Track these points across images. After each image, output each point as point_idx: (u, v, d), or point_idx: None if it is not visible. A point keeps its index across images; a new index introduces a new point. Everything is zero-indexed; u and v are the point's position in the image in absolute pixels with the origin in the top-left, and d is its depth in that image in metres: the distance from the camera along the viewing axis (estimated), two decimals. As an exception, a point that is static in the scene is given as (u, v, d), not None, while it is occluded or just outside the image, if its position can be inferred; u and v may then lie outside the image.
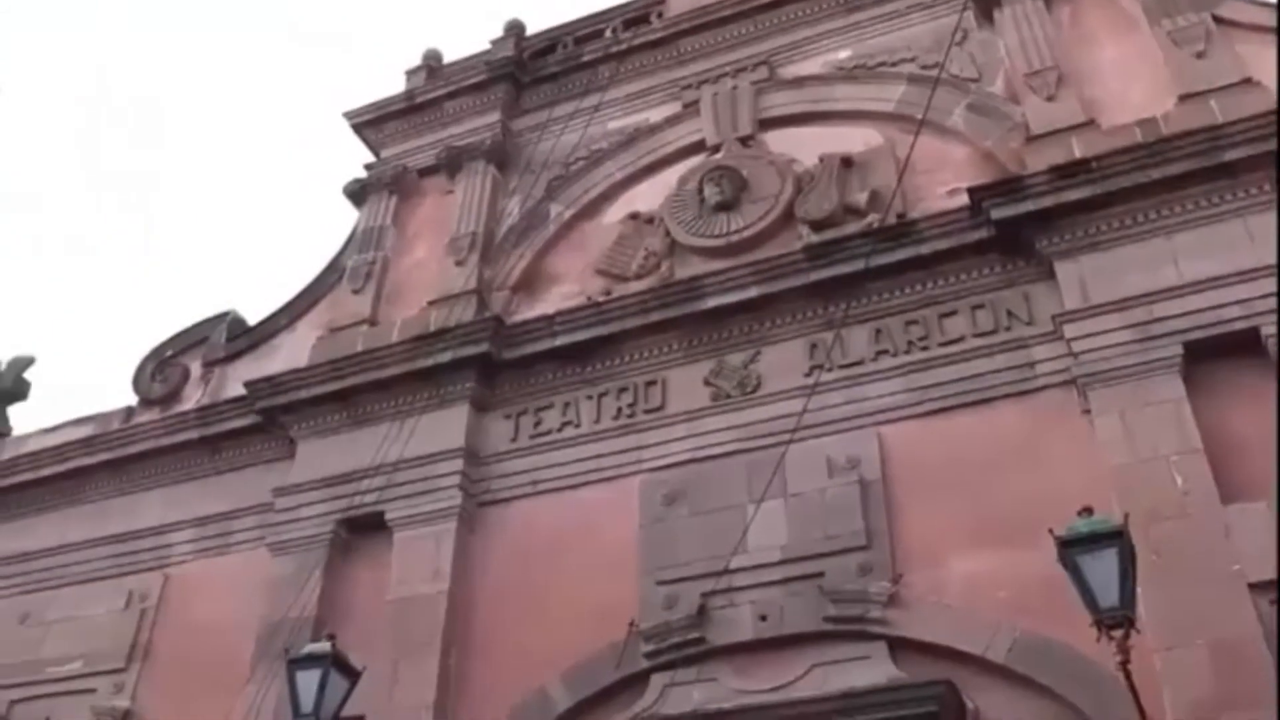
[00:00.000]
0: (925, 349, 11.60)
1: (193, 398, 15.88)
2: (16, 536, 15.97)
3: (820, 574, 10.65)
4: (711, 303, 12.53)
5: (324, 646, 10.42)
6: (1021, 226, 11.39)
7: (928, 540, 10.49)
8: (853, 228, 12.55)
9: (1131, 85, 12.22)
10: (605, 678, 11.05)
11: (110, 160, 54.87)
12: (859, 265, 11.77)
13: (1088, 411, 10.39)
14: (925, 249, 11.85)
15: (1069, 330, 10.77)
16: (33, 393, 18.51)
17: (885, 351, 11.76)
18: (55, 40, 53.43)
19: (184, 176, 55.35)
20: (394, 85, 17.49)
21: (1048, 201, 11.28)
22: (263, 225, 54.06)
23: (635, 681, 10.98)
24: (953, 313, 11.67)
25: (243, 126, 55.71)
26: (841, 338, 11.77)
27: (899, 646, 10.19)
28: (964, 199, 11.85)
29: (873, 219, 12.49)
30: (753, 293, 12.41)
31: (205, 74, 55.25)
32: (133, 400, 16.46)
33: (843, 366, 11.78)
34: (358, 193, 16.58)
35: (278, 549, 13.26)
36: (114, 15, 54.08)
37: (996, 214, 11.45)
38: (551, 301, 13.93)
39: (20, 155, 53.90)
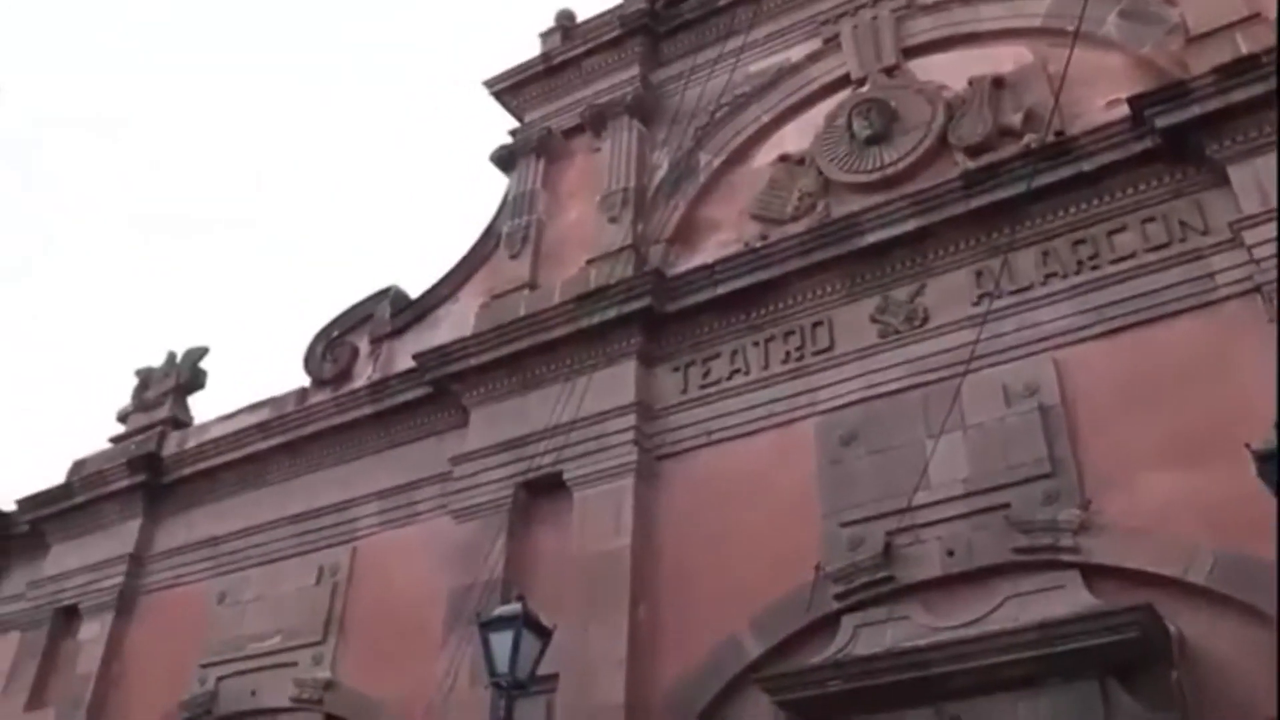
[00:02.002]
0: (1096, 268, 11.29)
1: (364, 374, 16.27)
2: (208, 521, 16.62)
3: (1006, 505, 10.50)
4: (871, 238, 12.38)
5: (514, 608, 10.58)
6: (1188, 133, 10.98)
7: (1115, 463, 10.25)
8: (1010, 150, 12.26)
9: (1295, -28, 11.66)
10: (795, 622, 11.07)
11: (262, 150, 56.19)
12: (1020, 188, 11.46)
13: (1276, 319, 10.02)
14: (1088, 165, 11.50)
15: (1249, 236, 10.37)
16: (209, 381, 19.20)
17: (1054, 274, 11.49)
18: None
19: (330, 158, 56.47)
20: (529, 49, 17.54)
21: (1215, 104, 10.83)
22: (412, 199, 54.94)
23: (825, 624, 10.97)
24: (1122, 229, 11.32)
25: (380, 103, 56.53)
26: (1008, 263, 11.48)
27: (1093, 574, 9.97)
28: (1125, 110, 11.48)
29: (1030, 139, 12.18)
30: (912, 225, 12.21)
31: (342, 54, 56.16)
32: (305, 381, 16.93)
33: (1012, 293, 11.52)
34: (506, 159, 16.72)
35: (461, 515, 13.53)
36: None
37: (1161, 122, 11.06)
38: (709, 250, 13.89)
39: (184, 141, 55.52)
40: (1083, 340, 11.06)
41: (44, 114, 55.32)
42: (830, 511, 11.37)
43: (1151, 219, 11.24)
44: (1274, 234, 10.12)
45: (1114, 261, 11.25)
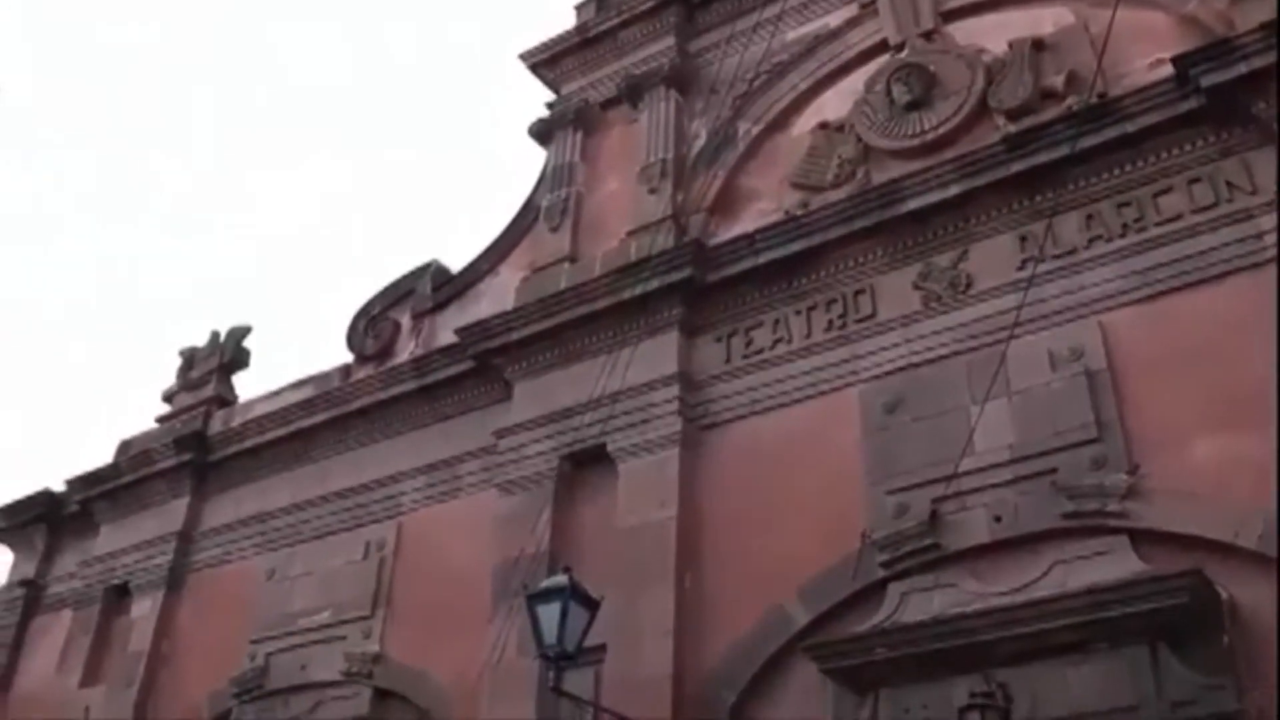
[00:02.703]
0: (1142, 230, 11.16)
1: (406, 349, 16.32)
2: (255, 498, 16.75)
3: (1053, 470, 10.43)
4: (912, 204, 12.28)
5: (562, 580, 10.63)
6: (1235, 91, 10.79)
7: (1163, 428, 10.14)
8: (1052, 113, 12.10)
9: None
10: (842, 590, 11.06)
11: (304, 126, 56.38)
12: (1063, 151, 11.34)
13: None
14: (1132, 126, 11.34)
15: (1299, 194, 10.22)
16: (252, 360, 19.34)
17: (1099, 237, 11.36)
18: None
19: (369, 135, 56.62)
20: (564, 21, 17.49)
21: (1261, 61, 10.61)
22: (451, 175, 55.07)
23: (871, 592, 10.95)
24: (1168, 190, 11.18)
25: (419, 78, 56.63)
26: (1052, 227, 11.35)
27: (1141, 539, 9.89)
28: (1169, 69, 11.29)
29: (1072, 101, 12.04)
30: (954, 190, 12.10)
31: (377, 28, 56.23)
32: (348, 358, 17.00)
33: (1055, 257, 11.39)
34: (543, 132, 16.66)
35: (506, 489, 13.58)
36: None
37: (1207, 81, 10.88)
38: (750, 220, 13.81)
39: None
40: (1129, 304, 10.94)
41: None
42: (876, 479, 11.34)
43: (1198, 180, 11.07)
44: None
45: (1160, 224, 11.12)
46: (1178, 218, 11.04)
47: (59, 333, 54.66)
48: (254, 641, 15.26)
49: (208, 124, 57.80)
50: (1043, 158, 11.65)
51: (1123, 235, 11.27)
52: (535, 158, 16.70)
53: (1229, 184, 10.87)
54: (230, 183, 56.36)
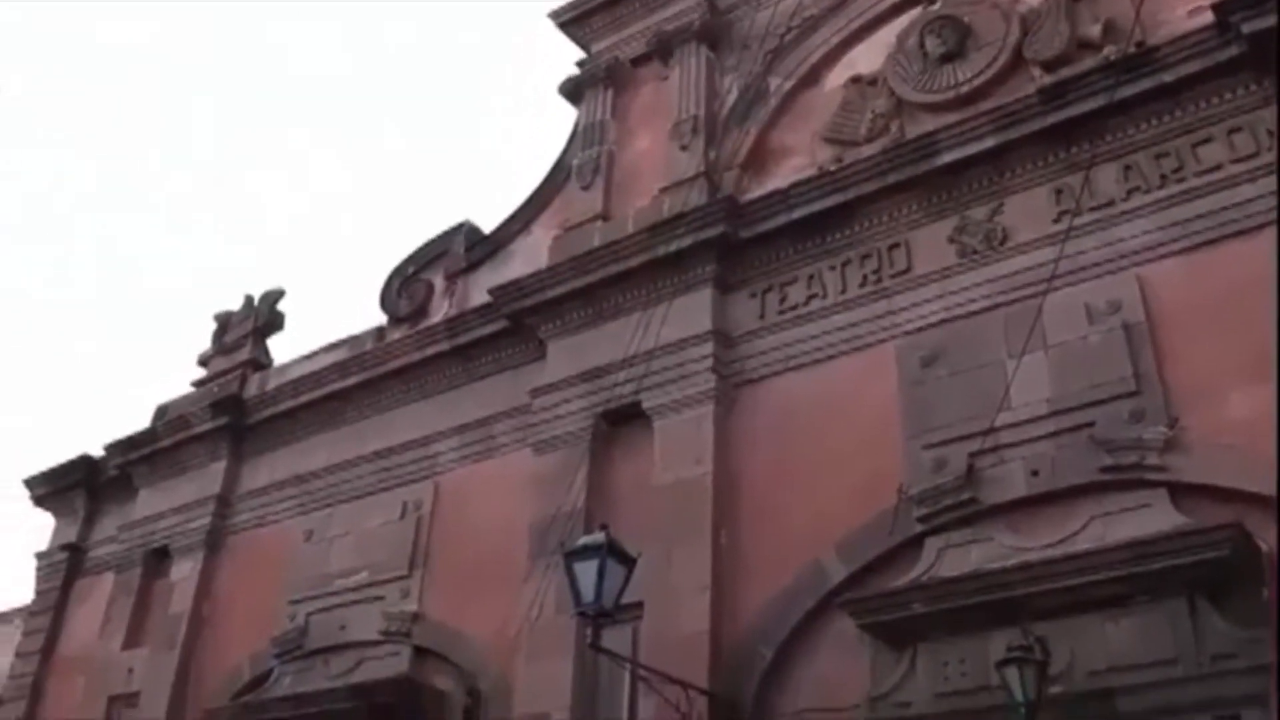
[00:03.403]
0: (1181, 181, 11.02)
1: (440, 310, 16.33)
2: (292, 460, 16.85)
3: (1090, 424, 10.37)
4: (947, 157, 12.17)
5: (598, 537, 10.60)
6: (1276, 38, 10.57)
7: (1202, 380, 10.04)
8: (1089, 63, 11.94)
9: None
10: (879, 545, 11.05)
11: (334, 91, 56.39)
12: (1101, 102, 11.19)
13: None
14: (1170, 76, 11.18)
15: (1342, 142, 10.06)
16: (287, 323, 19.37)
17: (1137, 189, 11.22)
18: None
19: (399, 98, 56.57)
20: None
21: (1303, 5, 10.48)
22: (482, 135, 55.00)
23: (909, 547, 10.94)
24: (1207, 140, 11.02)
25: (448, 39, 56.49)
26: (1089, 179, 11.21)
27: (1181, 492, 9.83)
28: (1208, 17, 11.11)
29: (1110, 51, 11.86)
30: (989, 143, 11.98)
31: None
32: (382, 320, 17.02)
33: (1092, 209, 11.26)
34: (574, 91, 16.58)
35: (541, 448, 13.61)
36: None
37: (1248, 28, 10.67)
38: (783, 175, 13.71)
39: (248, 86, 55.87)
40: (1167, 256, 10.84)
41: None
42: (912, 434, 11.30)
43: (1238, 129, 10.91)
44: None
45: (1199, 174, 10.98)
46: (1217, 168, 10.89)
47: (93, 303, 55.06)
48: (293, 602, 15.38)
49: (242, 87, 57.88)
50: (1080, 109, 11.52)
51: (1161, 186, 11.13)
52: (568, 117, 16.63)
53: (1270, 132, 10.68)
54: (264, 145, 56.47)
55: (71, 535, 19.22)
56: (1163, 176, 11.16)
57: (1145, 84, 11.26)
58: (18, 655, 18.94)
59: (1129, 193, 11.28)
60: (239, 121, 57.75)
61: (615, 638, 10.94)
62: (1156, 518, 9.76)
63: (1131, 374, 10.39)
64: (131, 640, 16.94)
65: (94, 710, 16.56)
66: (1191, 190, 10.94)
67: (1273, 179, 10.43)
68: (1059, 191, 11.63)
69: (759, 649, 11.25)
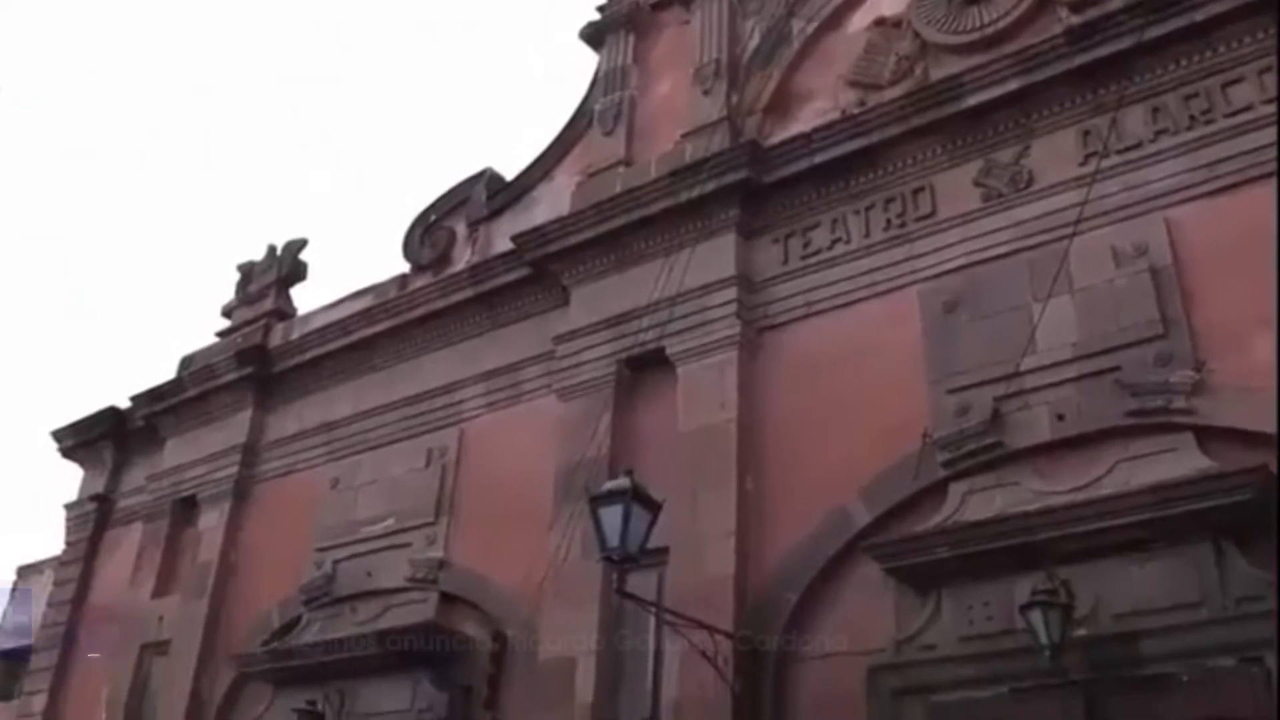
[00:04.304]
0: (1210, 122, 10.86)
1: (462, 258, 16.33)
2: (317, 409, 16.93)
3: (1116, 368, 10.30)
4: (972, 100, 12.04)
5: (623, 482, 10.53)
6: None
7: (1230, 324, 9.94)
8: (1116, 3, 11.72)
9: None
10: (903, 490, 11.04)
11: (356, 42, 56.15)
12: (1129, 42, 11.05)
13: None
14: (1200, 15, 10.98)
15: (1374, 81, 9.90)
16: (310, 273, 19.39)
17: (1165, 130, 11.08)
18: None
19: (419, 45, 56.31)
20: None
21: (1338, -57, 10.31)
22: (503, 81, 54.75)
23: (933, 492, 10.94)
24: (1238, 80, 10.84)
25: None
26: (1116, 121, 11.07)
27: (1207, 436, 9.77)
28: (1239, -46, 10.96)
29: (1138, -10, 11.73)
30: (1014, 85, 11.84)
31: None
32: (405, 268, 17.02)
33: (1119, 151, 11.12)
34: (595, 35, 16.46)
35: (565, 394, 13.63)
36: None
37: (1280, -36, 10.55)
38: (806, 119, 13.59)
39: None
40: (1195, 198, 10.70)
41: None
42: (937, 379, 11.26)
43: (1269, 69, 10.70)
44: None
45: (1228, 115, 10.81)
46: (1248, 108, 10.73)
47: (117, 254, 55.19)
48: (320, 550, 15.48)
49: (267, 38, 57.64)
50: (1107, 50, 11.36)
51: (1189, 128, 10.98)
52: (589, 63, 16.53)
53: (1303, 70, 10.53)
54: (285, 95, 56.32)
55: (100, 486, 19.43)
56: (1191, 118, 11.00)
57: (1175, 23, 11.08)
58: (49, 604, 19.21)
59: (1157, 134, 11.14)
60: (261, 73, 57.58)
61: (640, 583, 11.01)
62: (1182, 461, 9.71)
63: (1158, 317, 10.31)
64: (161, 589, 17.11)
65: (126, 657, 16.76)
66: (1220, 131, 10.78)
67: (1305, 117, 10.29)
68: (1086, 133, 11.50)
69: (784, 594, 11.28)
